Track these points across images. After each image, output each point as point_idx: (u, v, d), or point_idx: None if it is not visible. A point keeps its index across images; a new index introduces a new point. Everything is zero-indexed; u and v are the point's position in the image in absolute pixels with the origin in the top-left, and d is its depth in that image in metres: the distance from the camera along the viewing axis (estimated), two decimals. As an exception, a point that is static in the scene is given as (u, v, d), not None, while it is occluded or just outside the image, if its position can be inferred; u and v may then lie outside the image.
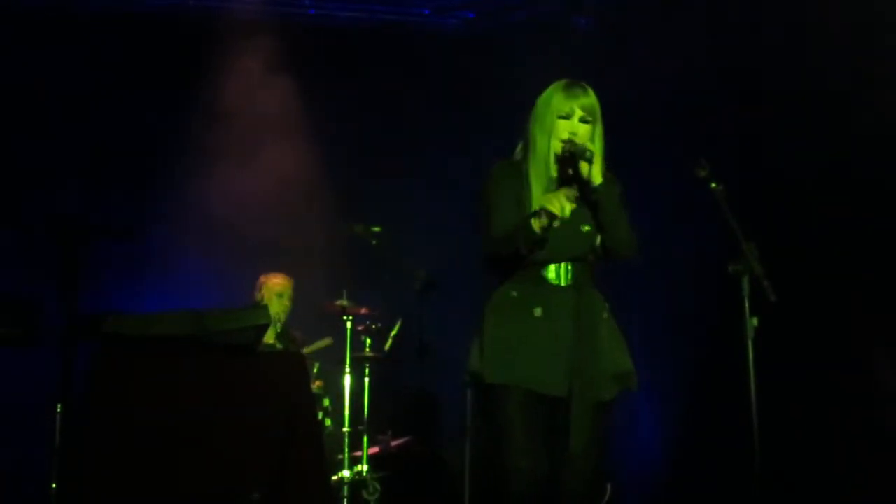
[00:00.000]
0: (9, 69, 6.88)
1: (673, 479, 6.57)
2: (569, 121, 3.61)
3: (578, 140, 3.57)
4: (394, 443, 6.60)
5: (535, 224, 3.47)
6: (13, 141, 6.87)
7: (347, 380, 6.25)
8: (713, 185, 3.87)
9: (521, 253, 3.51)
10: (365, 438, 6.22)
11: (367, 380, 6.37)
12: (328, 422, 6.34)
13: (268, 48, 7.25)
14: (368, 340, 6.46)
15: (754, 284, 3.83)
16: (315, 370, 6.38)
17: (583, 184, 3.59)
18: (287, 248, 6.96)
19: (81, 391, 3.81)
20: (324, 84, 7.35)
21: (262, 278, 6.53)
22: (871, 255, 5.73)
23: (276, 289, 6.48)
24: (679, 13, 6.52)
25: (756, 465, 3.87)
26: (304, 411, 4.02)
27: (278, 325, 6.40)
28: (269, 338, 6.21)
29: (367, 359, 6.37)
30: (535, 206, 3.52)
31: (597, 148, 3.58)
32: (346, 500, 6.02)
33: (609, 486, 5.44)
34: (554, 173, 3.63)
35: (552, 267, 3.60)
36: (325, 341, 6.46)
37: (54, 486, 3.89)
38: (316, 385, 6.30)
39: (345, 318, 6.31)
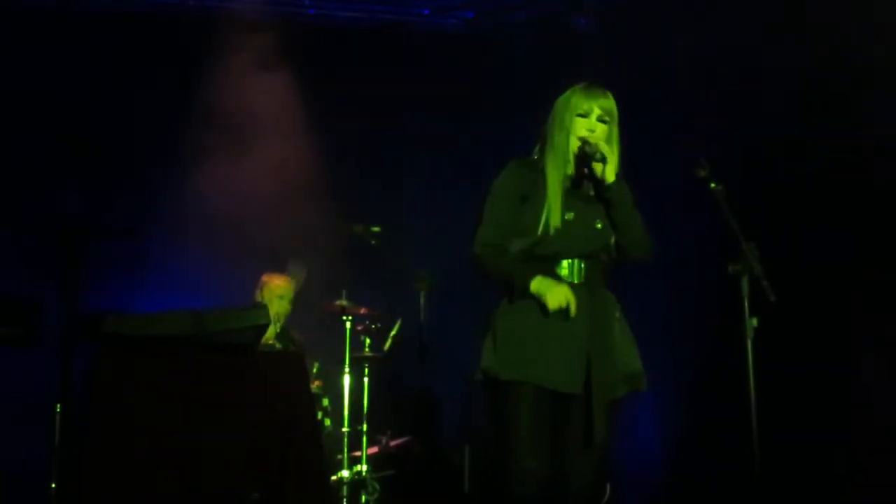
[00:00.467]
0: (8, 69, 6.88)
1: (672, 479, 6.57)
2: (587, 119, 3.65)
3: (594, 139, 3.60)
4: (393, 443, 6.60)
5: (530, 289, 3.54)
6: (13, 141, 6.86)
7: (347, 380, 6.24)
8: (713, 185, 3.87)
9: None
10: (364, 438, 6.22)
11: (366, 380, 6.37)
12: (327, 422, 6.34)
13: (268, 48, 7.24)
14: (368, 340, 6.46)
15: (754, 284, 3.83)
16: (314, 370, 6.38)
17: (596, 182, 3.62)
18: (287, 247, 6.95)
19: (81, 391, 3.81)
20: (324, 84, 7.35)
21: (265, 278, 6.54)
22: (871, 255, 5.72)
23: (277, 290, 6.48)
24: (679, 13, 6.52)
25: (755, 465, 3.87)
26: (304, 411, 4.02)
27: (278, 324, 6.41)
28: (269, 337, 6.20)
29: (367, 359, 6.37)
30: (551, 198, 3.57)
31: (613, 148, 3.62)
32: (345, 499, 6.02)
33: (609, 486, 5.44)
34: (571, 170, 3.66)
35: (565, 263, 3.61)
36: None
37: (54, 486, 3.89)
38: (315, 385, 6.30)
39: (344, 317, 6.30)
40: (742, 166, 5.79)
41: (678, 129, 6.38)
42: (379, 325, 6.53)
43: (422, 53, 7.66)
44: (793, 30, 6.03)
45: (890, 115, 5.61)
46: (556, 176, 3.63)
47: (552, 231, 3.57)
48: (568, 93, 3.71)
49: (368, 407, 6.29)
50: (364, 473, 6.12)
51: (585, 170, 3.64)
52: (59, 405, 3.96)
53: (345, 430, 6.14)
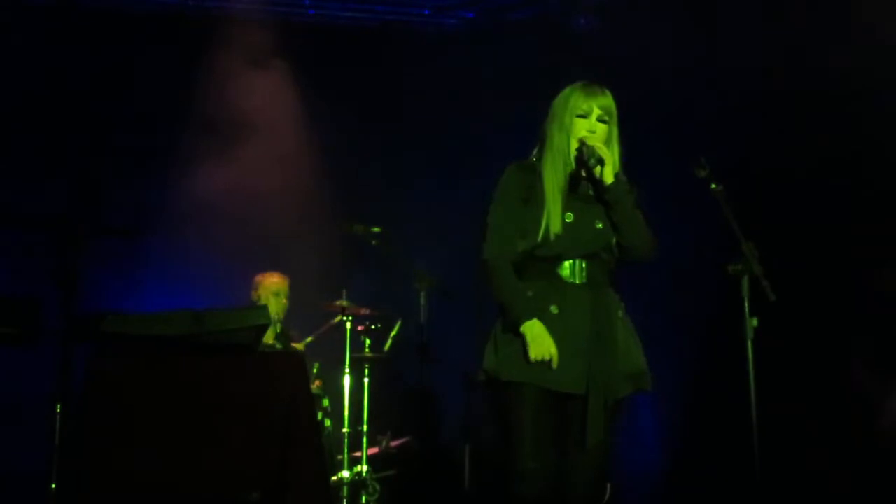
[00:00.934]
0: (8, 68, 6.88)
1: (672, 480, 6.57)
2: (587, 119, 3.64)
3: (593, 140, 3.59)
4: (393, 443, 6.61)
5: (520, 328, 3.53)
6: (13, 140, 6.87)
7: (347, 380, 6.25)
8: (713, 185, 3.87)
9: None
10: (364, 439, 6.22)
11: (366, 380, 6.37)
12: (328, 422, 6.34)
13: (268, 48, 7.24)
14: (368, 341, 6.47)
15: (754, 284, 3.83)
16: (315, 370, 6.38)
17: (595, 182, 3.62)
18: (287, 248, 6.95)
19: (81, 391, 3.81)
20: (324, 84, 7.35)
21: (258, 277, 6.53)
22: (872, 254, 5.72)
23: (272, 288, 6.47)
24: (679, 12, 6.52)
25: (755, 465, 3.87)
26: (304, 411, 4.01)
27: (278, 325, 6.41)
28: (269, 338, 6.20)
29: (367, 359, 6.38)
30: (549, 203, 3.56)
31: (613, 148, 3.63)
32: (345, 500, 6.02)
33: (609, 486, 5.43)
34: (570, 170, 3.65)
35: (566, 264, 3.61)
36: (305, 342, 6.47)
37: (54, 486, 3.88)
38: (315, 385, 6.30)
39: (345, 318, 6.30)
40: (742, 166, 5.78)
41: (678, 129, 6.38)
42: (379, 325, 6.53)
43: (422, 53, 7.66)
44: (793, 29, 6.03)
45: (890, 115, 5.61)
46: (554, 179, 3.61)
47: (552, 236, 3.56)
48: (566, 92, 3.70)
49: (369, 407, 6.30)
50: (364, 474, 6.13)
51: (584, 171, 3.64)
52: (58, 405, 3.95)
53: (345, 430, 6.15)
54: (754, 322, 3.86)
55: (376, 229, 6.19)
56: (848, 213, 5.80)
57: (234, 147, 7.06)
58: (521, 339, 3.55)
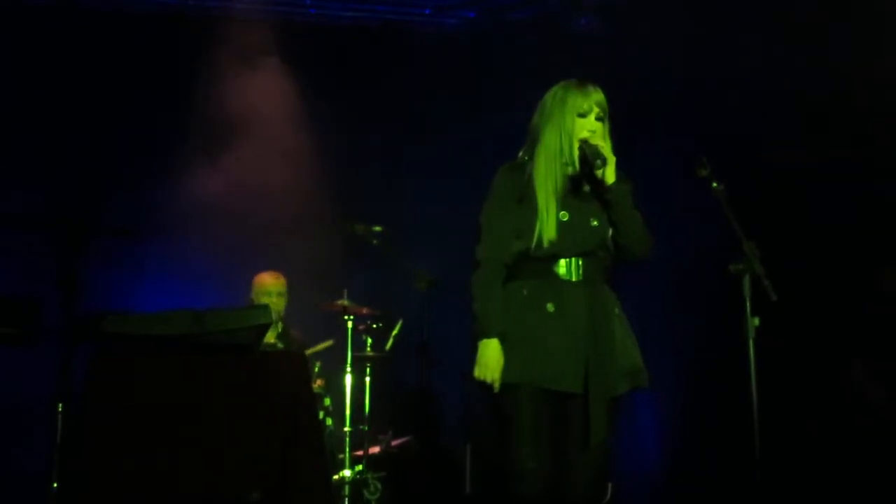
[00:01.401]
0: (8, 68, 6.88)
1: (674, 479, 6.57)
2: (586, 119, 3.63)
3: (596, 139, 3.59)
4: (395, 442, 6.61)
5: (478, 342, 3.55)
6: (14, 140, 6.87)
7: (348, 379, 6.25)
8: (714, 184, 3.86)
9: None
10: (366, 438, 6.22)
11: (368, 379, 6.37)
12: (329, 421, 6.34)
13: (268, 48, 7.25)
14: (369, 340, 6.46)
15: (755, 284, 3.83)
16: (316, 369, 6.38)
17: (596, 182, 3.61)
18: (288, 247, 6.95)
19: (81, 391, 3.81)
20: (324, 83, 7.35)
21: (255, 278, 6.53)
22: (873, 253, 5.72)
23: (264, 286, 6.47)
24: (680, 12, 6.52)
25: (757, 464, 3.86)
26: (305, 411, 4.01)
27: (279, 324, 6.41)
28: (270, 337, 6.20)
29: (369, 358, 6.38)
30: (542, 207, 3.55)
31: (608, 145, 3.62)
32: (347, 499, 6.02)
33: (610, 486, 5.43)
34: (568, 171, 3.64)
35: (562, 262, 3.60)
36: (327, 343, 6.45)
37: (55, 485, 3.88)
38: (317, 384, 6.30)
39: (346, 317, 6.31)
40: (743, 165, 5.78)
41: (679, 128, 6.38)
42: (380, 324, 6.53)
43: (423, 53, 7.66)
44: (794, 28, 6.03)
45: (891, 114, 5.61)
46: (547, 181, 3.60)
47: (546, 239, 3.56)
48: (559, 90, 3.68)
49: (370, 406, 6.30)
50: (365, 473, 6.13)
51: (586, 171, 3.63)
52: (59, 405, 3.95)
53: (346, 429, 6.15)
54: (756, 321, 3.85)
55: (377, 229, 6.19)
56: (850, 212, 5.80)
57: (234, 147, 7.06)
58: (515, 340, 3.56)
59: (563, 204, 3.60)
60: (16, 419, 6.17)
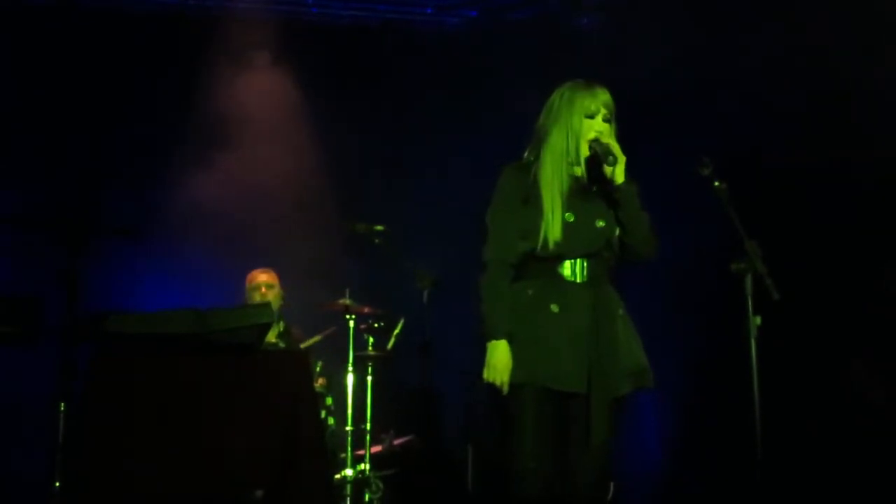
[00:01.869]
0: (8, 68, 6.88)
1: (675, 478, 6.56)
2: (594, 120, 3.63)
3: (607, 139, 3.59)
4: (396, 441, 6.61)
5: (487, 343, 3.54)
6: (15, 139, 6.87)
7: (350, 378, 6.24)
8: (716, 183, 3.86)
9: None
10: (367, 437, 6.22)
11: (369, 378, 6.37)
12: (331, 420, 6.34)
13: (270, 47, 7.25)
14: (371, 339, 6.46)
15: (757, 283, 3.83)
16: (318, 369, 6.38)
17: (604, 182, 3.61)
18: (289, 246, 6.95)
19: (83, 390, 3.81)
20: (326, 83, 7.35)
21: (249, 275, 6.54)
22: (874, 253, 5.72)
23: (251, 283, 6.49)
24: (680, 11, 6.51)
25: (759, 463, 3.86)
26: (307, 410, 4.02)
27: (281, 323, 6.41)
28: (271, 336, 6.20)
29: (370, 357, 6.37)
30: (548, 208, 3.54)
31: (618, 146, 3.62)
32: (348, 498, 6.02)
33: (612, 485, 5.43)
34: (575, 171, 3.64)
35: (567, 263, 3.60)
36: (329, 330, 6.45)
37: (57, 484, 3.89)
38: (318, 383, 6.30)
39: (347, 316, 6.30)
40: (745, 164, 5.78)
41: (680, 127, 6.38)
42: (382, 323, 6.52)
43: (424, 52, 7.66)
44: (795, 27, 6.02)
45: (892, 113, 5.60)
46: (553, 182, 3.60)
47: (552, 243, 3.56)
48: (566, 91, 3.68)
49: (372, 406, 6.29)
50: (367, 472, 6.12)
51: (594, 170, 3.63)
52: (61, 404, 3.96)
53: (348, 428, 6.14)
54: (757, 320, 3.85)
55: (379, 228, 6.18)
56: (852, 210, 5.79)
57: (235, 146, 7.06)
58: (520, 340, 3.56)
59: (568, 205, 3.60)
60: (17, 419, 6.18)
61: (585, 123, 3.62)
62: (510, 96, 7.07)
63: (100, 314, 3.79)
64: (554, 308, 3.56)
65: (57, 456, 3.92)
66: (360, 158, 7.42)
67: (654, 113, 6.42)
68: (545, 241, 3.55)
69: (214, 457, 3.79)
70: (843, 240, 5.79)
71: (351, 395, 6.22)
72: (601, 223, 3.63)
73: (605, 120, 3.64)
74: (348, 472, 6.06)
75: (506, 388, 3.50)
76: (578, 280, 3.60)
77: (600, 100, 3.63)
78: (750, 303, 3.85)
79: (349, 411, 6.17)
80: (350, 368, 6.24)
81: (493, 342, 3.53)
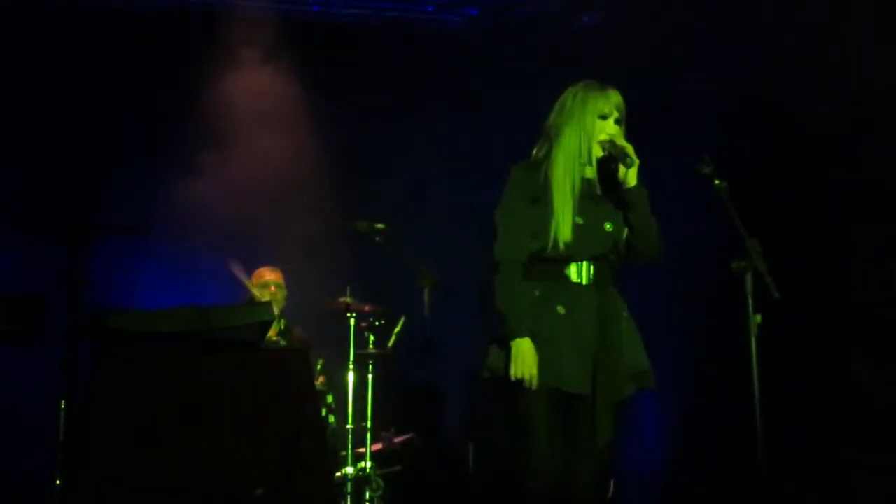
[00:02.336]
0: (8, 68, 6.88)
1: (676, 476, 6.57)
2: (606, 121, 3.64)
3: (621, 141, 3.60)
4: (397, 439, 6.61)
5: (510, 340, 3.52)
6: (17, 138, 6.87)
7: (351, 376, 6.24)
8: (717, 181, 3.87)
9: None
10: (368, 435, 6.22)
11: (370, 376, 6.37)
12: (332, 418, 6.34)
13: (271, 45, 7.25)
14: (372, 337, 6.46)
15: (757, 281, 3.83)
16: (319, 367, 6.39)
17: (614, 184, 3.62)
18: (291, 245, 6.96)
19: (85, 388, 3.81)
20: (327, 81, 7.35)
21: (256, 273, 6.56)
22: (875, 251, 5.72)
23: (259, 281, 6.51)
24: (681, 10, 6.52)
25: (759, 461, 3.87)
26: (308, 408, 4.02)
27: (281, 321, 6.42)
28: (272, 334, 6.21)
29: (371, 356, 6.37)
30: (559, 208, 3.55)
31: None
32: (349, 496, 6.02)
33: (612, 483, 5.43)
34: (587, 173, 3.65)
35: (573, 266, 3.61)
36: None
37: (58, 482, 3.89)
38: (319, 381, 6.31)
39: (348, 314, 6.31)
40: (745, 163, 5.78)
41: (681, 126, 6.38)
42: (383, 321, 6.53)
43: (425, 50, 7.66)
44: (795, 27, 6.03)
45: (892, 112, 5.61)
46: (565, 182, 3.60)
47: (562, 244, 3.56)
48: (579, 91, 3.68)
49: (372, 403, 6.29)
50: (368, 470, 6.13)
51: (605, 172, 3.64)
52: (62, 402, 3.96)
53: (349, 426, 6.14)
54: (758, 319, 3.86)
55: (380, 226, 6.18)
56: (852, 209, 5.80)
57: (236, 144, 7.06)
58: (531, 338, 3.55)
59: (578, 207, 3.60)
60: (19, 418, 6.18)
61: (598, 124, 3.63)
62: (511, 95, 7.09)
63: (101, 312, 3.79)
64: (560, 310, 3.57)
65: (58, 454, 3.92)
66: (361, 156, 7.42)
67: (655, 111, 6.42)
68: (555, 242, 3.56)
69: (216, 454, 3.80)
70: (843, 238, 5.79)
71: (352, 392, 6.22)
72: (609, 226, 3.64)
73: (617, 122, 3.65)
74: (349, 469, 6.06)
75: (535, 384, 3.49)
76: (584, 282, 3.61)
77: (613, 101, 3.64)
78: (750, 301, 3.86)
79: (350, 409, 6.17)
80: (351, 366, 6.25)
81: (518, 340, 3.52)
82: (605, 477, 3.69)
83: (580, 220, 3.59)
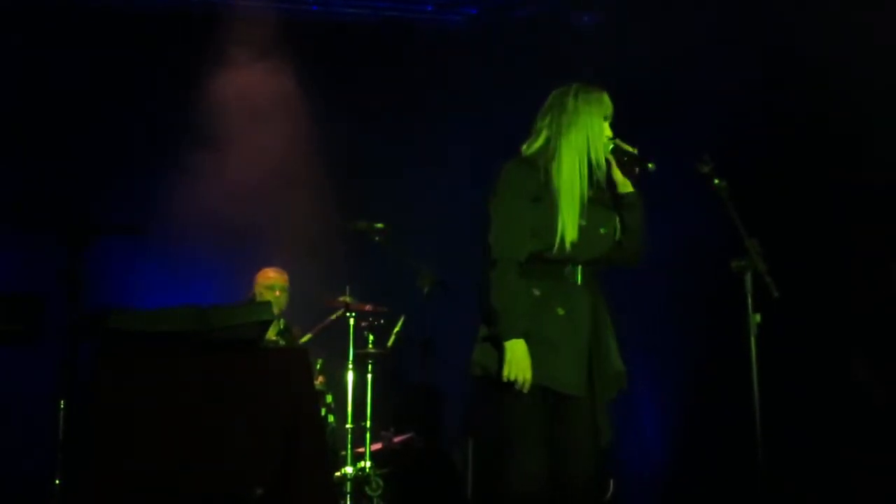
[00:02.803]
0: (8, 68, 6.88)
1: (676, 475, 6.57)
2: (606, 123, 3.67)
3: (623, 145, 3.63)
4: (397, 439, 6.61)
5: (503, 342, 3.48)
6: (17, 138, 6.87)
7: (350, 376, 6.25)
8: (716, 181, 3.87)
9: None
10: (368, 434, 6.23)
11: (369, 376, 6.37)
12: (331, 418, 6.35)
13: (271, 44, 7.24)
14: (371, 337, 6.46)
15: (757, 281, 3.83)
16: (318, 366, 6.39)
17: (613, 185, 3.64)
18: (291, 244, 6.96)
19: (85, 387, 3.81)
20: (326, 80, 7.35)
21: (259, 273, 6.58)
22: (875, 251, 5.72)
23: (266, 282, 6.52)
24: (681, 9, 6.52)
25: (759, 460, 3.87)
26: (307, 407, 4.02)
27: (281, 321, 6.42)
28: (271, 334, 6.21)
29: (370, 355, 6.38)
30: (566, 209, 3.54)
31: None
32: (349, 496, 6.02)
33: (612, 483, 5.44)
34: (598, 176, 3.65)
35: (571, 267, 3.61)
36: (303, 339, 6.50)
37: (58, 482, 3.89)
38: (319, 381, 6.31)
39: (348, 314, 6.31)
40: (745, 163, 5.78)
41: (681, 125, 6.38)
42: (382, 321, 6.53)
43: (425, 50, 7.66)
44: (796, 26, 6.03)
45: (892, 112, 5.61)
46: (574, 183, 3.58)
47: (568, 243, 3.55)
48: (580, 91, 3.68)
49: (372, 403, 6.30)
50: (368, 469, 6.13)
51: (610, 174, 3.65)
52: (62, 401, 3.96)
53: (348, 426, 6.15)
54: (757, 318, 3.86)
55: (379, 226, 6.18)
56: (851, 209, 5.80)
57: (236, 143, 7.06)
58: (528, 338, 3.53)
59: (581, 211, 3.61)
60: (19, 418, 6.18)
61: (604, 126, 3.65)
62: (511, 94, 7.08)
63: (101, 312, 3.79)
64: (560, 311, 3.57)
65: (57, 454, 3.92)
66: (360, 156, 7.42)
67: (654, 110, 6.42)
68: (561, 243, 3.54)
69: (215, 454, 3.80)
70: (843, 238, 5.80)
71: (351, 392, 6.23)
72: (603, 230, 3.65)
73: (611, 126, 3.68)
74: (348, 469, 6.07)
75: (527, 387, 3.47)
76: (579, 283, 3.62)
77: (609, 105, 3.67)
78: (750, 301, 3.87)
79: (349, 409, 6.18)
80: (350, 366, 6.25)
81: (513, 341, 3.48)
82: (601, 477, 3.70)
83: (584, 222, 3.59)
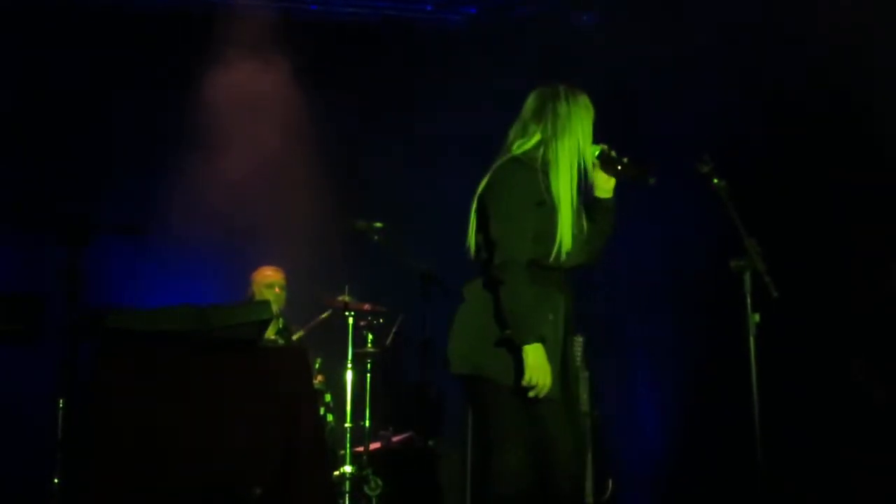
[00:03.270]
0: (10, 67, 6.88)
1: (675, 475, 6.57)
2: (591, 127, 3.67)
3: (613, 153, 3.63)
4: (395, 438, 6.61)
5: (524, 347, 3.45)
6: (17, 138, 6.87)
7: (349, 375, 6.25)
8: (716, 180, 3.87)
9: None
10: (367, 434, 6.23)
11: (368, 375, 6.37)
12: (330, 417, 6.35)
13: (270, 43, 7.24)
14: (370, 336, 6.46)
15: (756, 280, 3.83)
16: (317, 366, 6.39)
17: (590, 188, 3.64)
18: (290, 243, 6.96)
19: (84, 386, 3.82)
20: (326, 80, 7.35)
21: (256, 272, 6.58)
22: (874, 251, 5.72)
23: (264, 281, 6.53)
24: (681, 8, 6.52)
25: (758, 460, 3.87)
26: (306, 407, 4.02)
27: (280, 320, 6.42)
28: (270, 333, 6.21)
29: (369, 354, 6.37)
30: (565, 215, 3.55)
31: None
32: (347, 495, 6.03)
33: (611, 482, 5.44)
34: (586, 179, 3.65)
35: (556, 273, 3.61)
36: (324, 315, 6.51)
37: (57, 481, 3.90)
38: (317, 380, 6.31)
39: (347, 313, 6.31)
40: (745, 163, 5.79)
41: (681, 125, 6.38)
42: (381, 320, 6.53)
43: (424, 49, 7.66)
44: (796, 26, 6.03)
45: (892, 112, 5.61)
46: (571, 189, 3.59)
47: (564, 251, 3.55)
48: (569, 95, 3.67)
49: (371, 402, 6.30)
50: (366, 469, 6.13)
51: (614, 168, 3.65)
52: (61, 400, 3.97)
53: (347, 425, 6.15)
54: (756, 318, 3.86)
55: (378, 225, 6.18)
56: (851, 209, 5.80)
57: (235, 143, 7.06)
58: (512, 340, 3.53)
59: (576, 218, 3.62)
60: (19, 417, 6.18)
61: (589, 131, 3.65)
62: (510, 94, 7.07)
63: (101, 312, 3.80)
64: (550, 316, 3.57)
65: (57, 454, 3.92)
66: (359, 155, 7.42)
67: (654, 109, 6.42)
68: (559, 250, 3.54)
69: (213, 453, 3.80)
70: (843, 238, 5.80)
71: (350, 391, 6.23)
72: (584, 235, 3.66)
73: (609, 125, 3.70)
74: (347, 468, 6.07)
75: (544, 392, 3.46)
76: (560, 290, 3.62)
77: (593, 108, 3.67)
78: (749, 300, 3.86)
79: (348, 408, 6.18)
80: (349, 365, 6.25)
81: (533, 346, 3.44)
82: (598, 478, 3.71)
83: (576, 231, 3.60)
